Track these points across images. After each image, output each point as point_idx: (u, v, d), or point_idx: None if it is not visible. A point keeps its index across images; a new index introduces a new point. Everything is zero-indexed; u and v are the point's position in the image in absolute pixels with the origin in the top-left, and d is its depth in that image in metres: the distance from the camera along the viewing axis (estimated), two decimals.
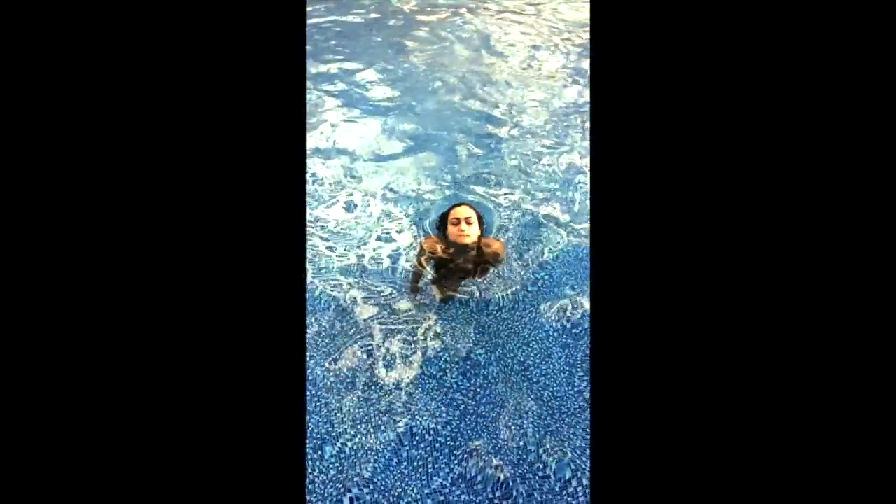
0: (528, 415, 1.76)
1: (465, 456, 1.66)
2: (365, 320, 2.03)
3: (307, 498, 1.57)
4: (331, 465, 1.64)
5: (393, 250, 2.30)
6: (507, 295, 2.12)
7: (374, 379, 1.85)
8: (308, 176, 2.70)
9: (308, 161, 2.80)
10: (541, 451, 1.67)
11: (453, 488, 1.60)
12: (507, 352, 1.95)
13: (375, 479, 1.61)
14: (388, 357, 1.92)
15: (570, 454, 1.66)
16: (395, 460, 1.66)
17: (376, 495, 1.58)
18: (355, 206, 2.55)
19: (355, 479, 1.61)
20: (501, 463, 1.64)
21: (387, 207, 2.54)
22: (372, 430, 1.72)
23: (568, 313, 2.06)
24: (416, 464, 1.65)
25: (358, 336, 1.98)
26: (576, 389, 1.83)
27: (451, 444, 1.69)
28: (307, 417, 1.74)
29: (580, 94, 3.52)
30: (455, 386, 1.85)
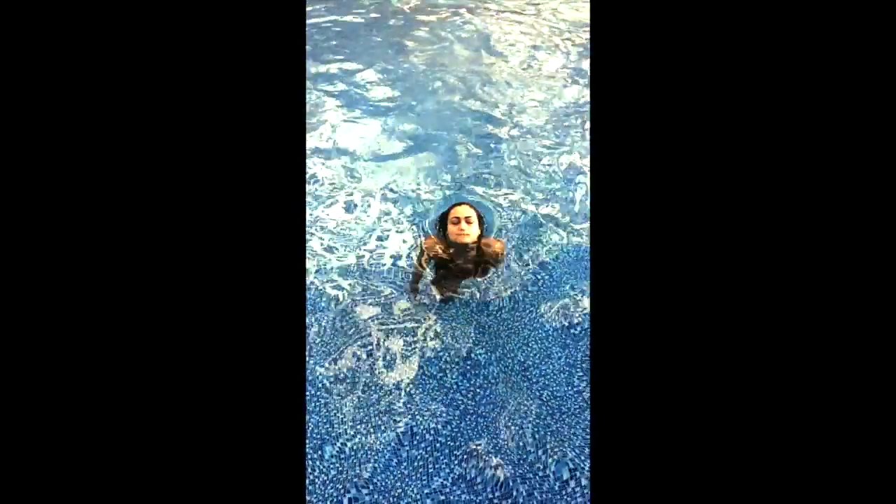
0: (528, 415, 1.76)
1: (465, 456, 1.66)
2: (365, 320, 2.03)
3: (307, 498, 1.56)
4: (331, 466, 1.64)
5: (394, 251, 2.30)
6: (502, 294, 2.12)
7: (374, 379, 1.85)
8: (308, 176, 2.70)
9: (308, 161, 2.80)
10: (541, 451, 1.67)
11: (453, 488, 1.60)
12: (507, 352, 1.95)
13: (375, 480, 1.61)
14: (388, 357, 1.92)
15: (569, 454, 1.66)
16: (395, 460, 1.65)
17: (376, 496, 1.58)
18: (355, 206, 2.55)
19: (355, 479, 1.61)
20: (501, 463, 1.65)
21: (386, 207, 2.54)
22: (372, 430, 1.72)
23: (568, 313, 2.06)
24: (416, 464, 1.65)
25: (358, 336, 1.98)
26: (576, 390, 1.83)
27: (451, 444, 1.69)
28: (307, 417, 1.73)
29: (580, 94, 3.52)
30: (455, 386, 1.85)
